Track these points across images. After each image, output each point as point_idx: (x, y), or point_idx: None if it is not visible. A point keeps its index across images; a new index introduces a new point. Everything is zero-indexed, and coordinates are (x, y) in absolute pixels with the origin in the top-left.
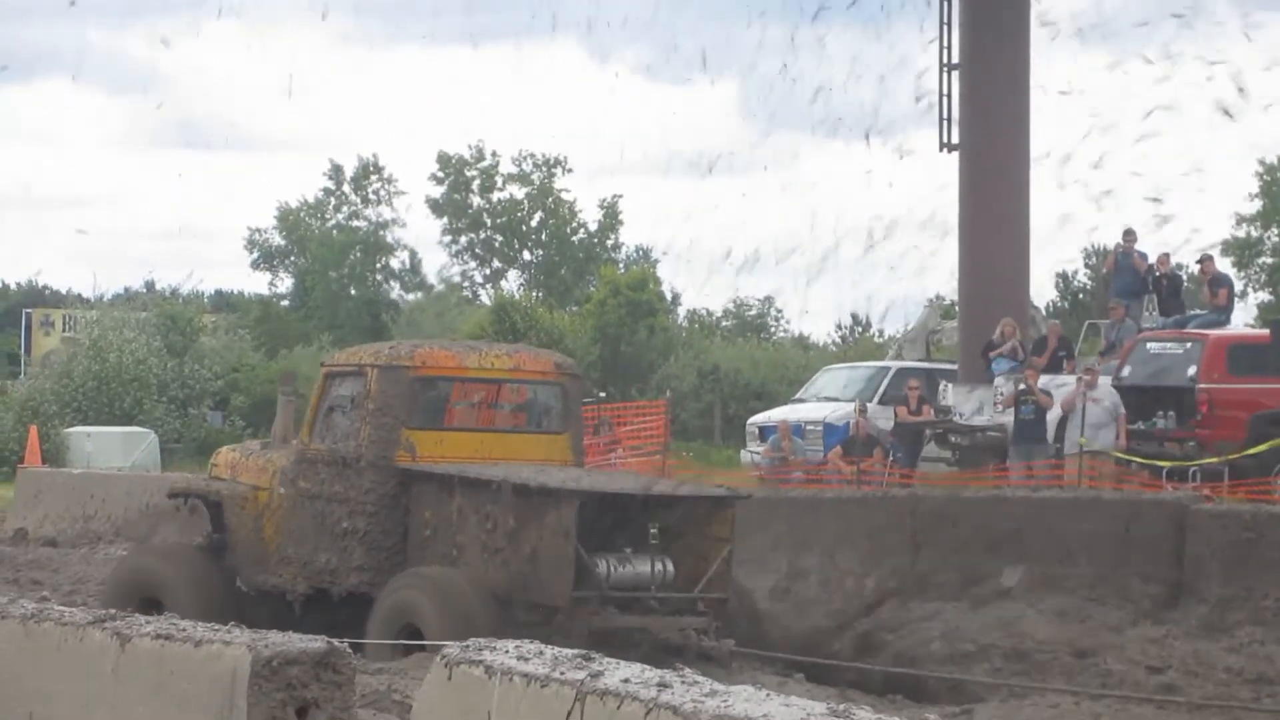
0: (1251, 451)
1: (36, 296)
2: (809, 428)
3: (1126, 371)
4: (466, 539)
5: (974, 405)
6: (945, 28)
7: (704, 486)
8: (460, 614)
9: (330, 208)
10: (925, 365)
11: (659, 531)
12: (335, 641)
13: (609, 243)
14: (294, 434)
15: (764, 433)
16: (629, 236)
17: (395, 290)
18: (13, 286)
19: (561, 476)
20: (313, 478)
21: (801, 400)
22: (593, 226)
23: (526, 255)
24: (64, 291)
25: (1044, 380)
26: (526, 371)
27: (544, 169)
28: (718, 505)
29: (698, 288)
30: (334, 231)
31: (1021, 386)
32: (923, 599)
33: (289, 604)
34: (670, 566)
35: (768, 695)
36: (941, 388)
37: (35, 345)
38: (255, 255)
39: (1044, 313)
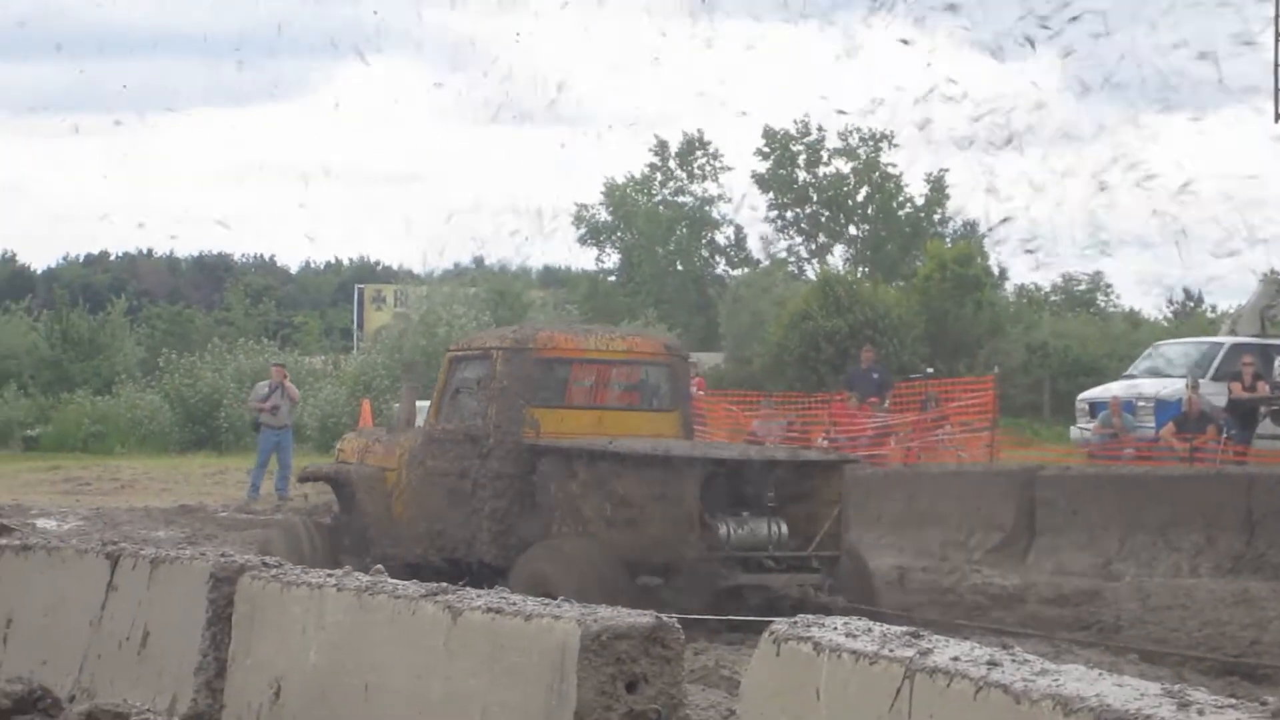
0: None
1: (369, 272)
2: (1140, 404)
3: None
4: (593, 509)
5: None
6: None
7: (814, 451)
8: (592, 581)
9: (656, 183)
10: (1260, 341)
11: (774, 495)
12: (663, 616)
13: (935, 217)
14: (416, 420)
15: (1094, 409)
16: (956, 211)
17: (720, 266)
18: (346, 262)
19: (682, 447)
20: (441, 456)
21: (1133, 376)
22: (919, 201)
23: (852, 230)
24: (395, 267)
25: None
26: (639, 353)
27: (870, 143)
28: (828, 469)
29: (1025, 263)
30: (660, 207)
31: None
32: (1259, 579)
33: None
34: (784, 528)
35: (1100, 675)
36: (1277, 364)
37: (368, 320)
38: (582, 231)
39: None
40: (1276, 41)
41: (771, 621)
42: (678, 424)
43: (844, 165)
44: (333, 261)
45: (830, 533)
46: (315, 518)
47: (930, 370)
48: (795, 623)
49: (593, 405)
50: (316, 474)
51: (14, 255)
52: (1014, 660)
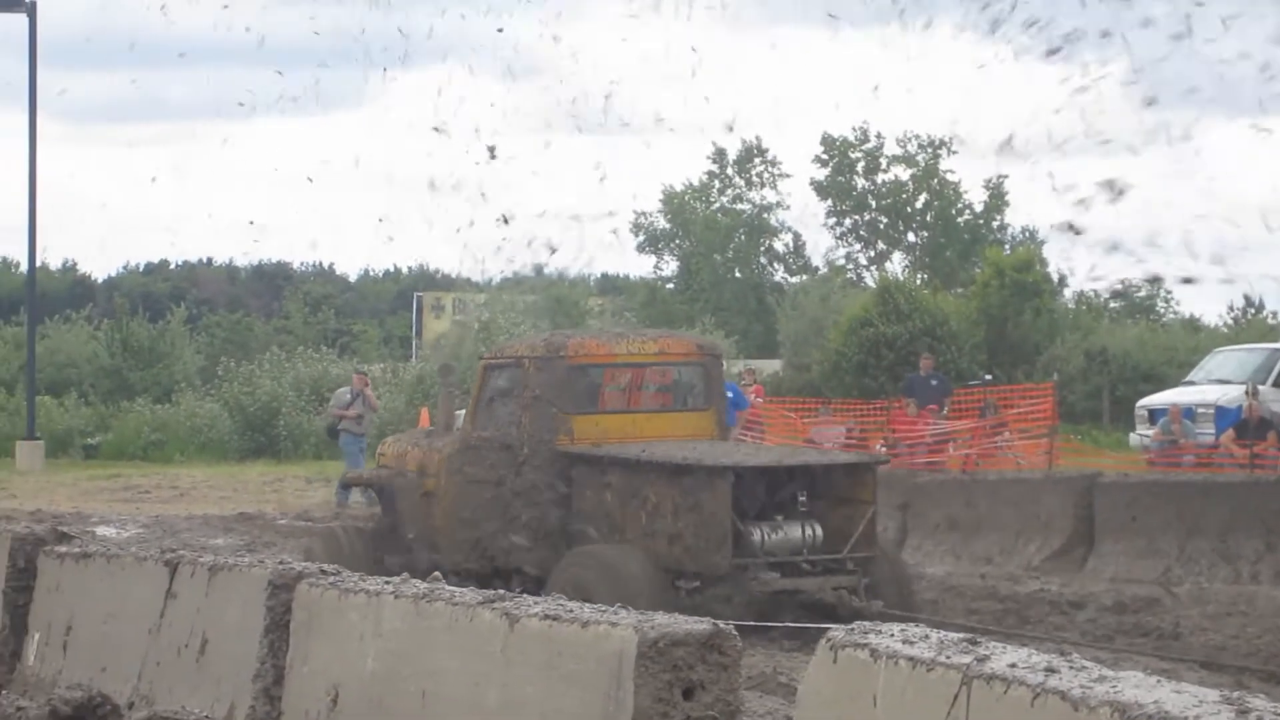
0: None
1: (428, 280)
2: (1200, 411)
3: None
4: (627, 516)
5: None
6: None
7: (844, 454)
8: (629, 589)
9: (714, 191)
10: None
11: (806, 498)
12: (721, 624)
13: (994, 224)
14: (455, 423)
15: (1153, 416)
16: (1015, 218)
17: (779, 273)
18: (405, 270)
19: (714, 452)
20: (478, 464)
21: (1192, 383)
22: (978, 208)
23: (911, 237)
24: (454, 275)
25: None
26: (671, 354)
27: (929, 150)
28: (859, 470)
29: (1085, 270)
30: (718, 214)
31: None
32: None
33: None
34: (819, 530)
35: (1158, 682)
36: None
37: (426, 328)
38: (640, 238)
39: None
40: None
41: (828, 628)
42: (713, 423)
43: (903, 172)
44: (391, 269)
45: (864, 534)
46: (356, 523)
47: (989, 377)
48: (852, 629)
49: (627, 409)
50: (358, 480)
51: (75, 264)
52: (1071, 667)
